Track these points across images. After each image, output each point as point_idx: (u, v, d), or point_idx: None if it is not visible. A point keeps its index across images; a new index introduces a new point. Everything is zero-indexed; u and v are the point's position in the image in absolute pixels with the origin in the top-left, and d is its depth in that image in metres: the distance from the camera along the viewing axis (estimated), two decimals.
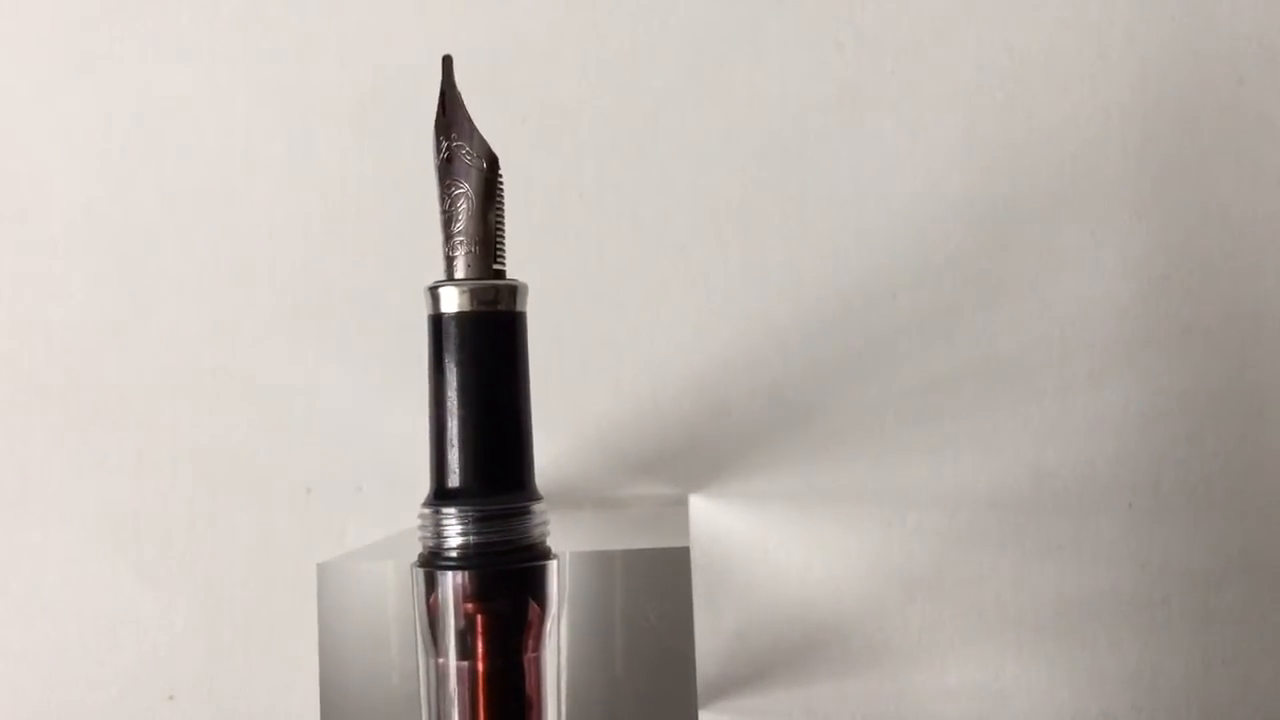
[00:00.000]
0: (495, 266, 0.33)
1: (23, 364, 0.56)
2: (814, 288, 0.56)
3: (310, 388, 0.56)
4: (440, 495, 0.32)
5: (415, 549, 0.33)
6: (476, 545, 0.32)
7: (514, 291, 0.33)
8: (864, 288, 0.56)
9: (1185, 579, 0.56)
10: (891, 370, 0.56)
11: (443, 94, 0.34)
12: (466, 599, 0.32)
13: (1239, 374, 0.56)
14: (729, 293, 0.56)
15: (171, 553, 0.56)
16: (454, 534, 0.32)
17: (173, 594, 0.56)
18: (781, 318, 0.56)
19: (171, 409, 0.56)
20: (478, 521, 0.32)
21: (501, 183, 0.33)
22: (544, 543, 0.33)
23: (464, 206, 0.33)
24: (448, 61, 0.34)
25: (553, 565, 0.33)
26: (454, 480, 0.32)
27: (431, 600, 0.32)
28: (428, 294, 0.33)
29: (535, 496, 0.33)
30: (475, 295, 0.33)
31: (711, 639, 0.56)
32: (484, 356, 0.33)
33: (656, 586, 0.37)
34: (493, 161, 0.33)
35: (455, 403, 0.32)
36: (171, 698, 0.56)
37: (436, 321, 0.33)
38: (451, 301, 0.33)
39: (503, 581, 0.32)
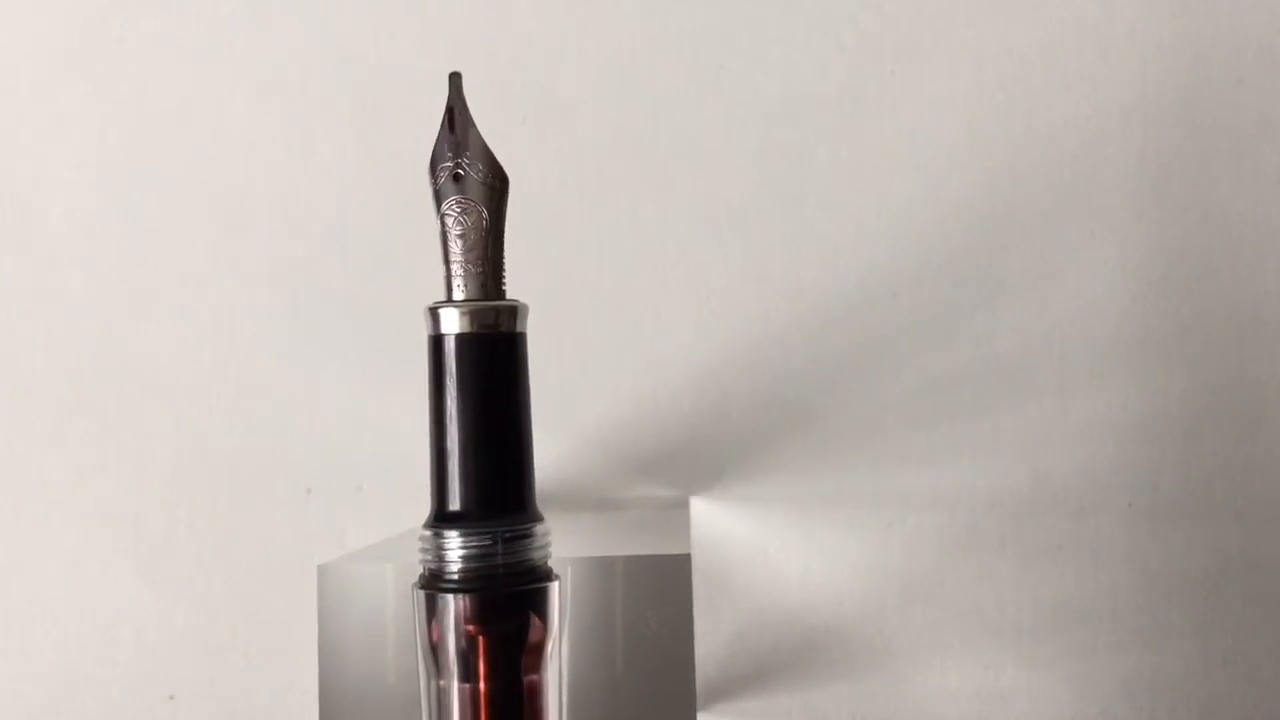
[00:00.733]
0: (500, 287, 0.33)
1: (23, 364, 0.56)
2: (814, 288, 0.56)
3: (310, 388, 0.56)
4: (441, 518, 0.32)
5: (415, 550, 0.33)
6: (477, 568, 0.32)
7: (514, 312, 0.33)
8: (864, 288, 0.56)
9: (1185, 579, 0.56)
10: (891, 370, 0.56)
11: (450, 110, 0.33)
12: (468, 621, 0.32)
13: (1239, 374, 0.56)
14: (729, 293, 0.56)
15: (171, 553, 0.56)
16: (455, 557, 0.32)
17: (173, 594, 0.56)
18: (781, 318, 0.56)
19: (171, 409, 0.56)
20: (479, 544, 0.32)
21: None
22: (545, 564, 0.33)
23: (474, 225, 0.33)
24: (456, 78, 0.34)
25: (554, 587, 0.33)
26: (455, 503, 0.32)
27: (432, 623, 0.32)
28: (428, 314, 0.33)
29: (536, 518, 0.33)
30: (476, 317, 0.32)
31: (711, 640, 0.56)
32: (484, 378, 0.32)
33: (657, 592, 0.37)
34: (505, 181, 0.33)
35: (455, 424, 0.32)
36: (171, 698, 0.56)
37: (437, 342, 0.33)
38: (452, 323, 0.32)
39: (504, 604, 0.32)
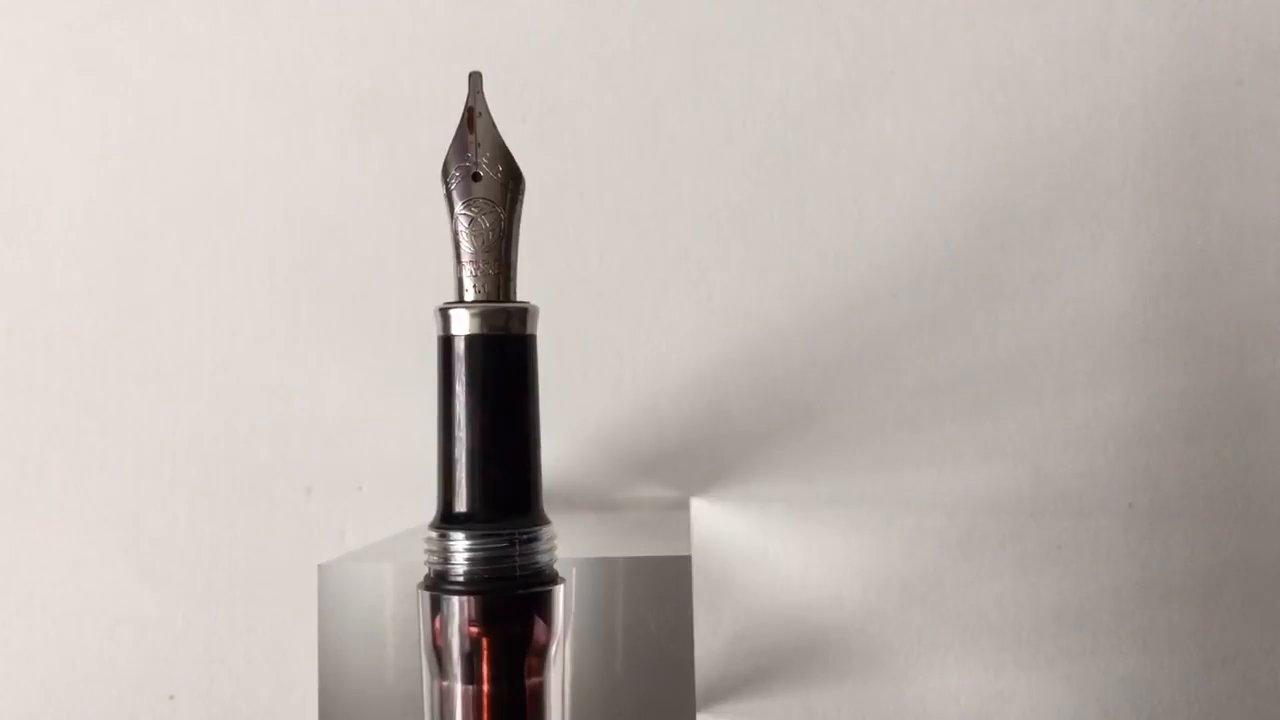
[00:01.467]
0: (513, 289, 0.33)
1: (23, 364, 0.56)
2: (814, 288, 0.56)
3: (310, 388, 0.56)
4: (447, 518, 0.32)
5: (415, 549, 0.33)
6: (483, 570, 0.32)
7: (525, 314, 0.33)
8: (864, 288, 0.56)
9: (1185, 579, 0.56)
10: (891, 370, 0.56)
11: (470, 109, 0.33)
12: (472, 623, 0.32)
13: (1239, 374, 0.56)
14: (729, 293, 0.56)
15: (171, 553, 0.56)
16: (460, 558, 0.32)
17: (173, 594, 0.56)
18: (781, 318, 0.56)
19: (171, 409, 0.56)
20: (484, 546, 0.32)
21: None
22: (551, 567, 0.33)
23: (491, 226, 0.33)
24: (476, 78, 0.34)
25: (559, 590, 0.33)
26: (461, 504, 0.32)
27: (436, 623, 0.32)
28: (438, 315, 0.33)
29: (543, 520, 0.33)
30: (486, 319, 0.32)
31: (711, 641, 0.56)
32: (494, 380, 0.32)
33: (657, 594, 0.37)
34: (521, 182, 0.33)
35: (464, 426, 0.32)
36: (171, 698, 0.56)
37: (447, 344, 0.32)
38: (462, 324, 0.32)
39: (508, 606, 0.32)
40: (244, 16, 0.56)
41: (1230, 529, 0.56)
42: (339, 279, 0.56)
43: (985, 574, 0.56)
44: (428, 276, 0.53)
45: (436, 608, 0.32)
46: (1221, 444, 0.56)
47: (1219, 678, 0.56)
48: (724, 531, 0.56)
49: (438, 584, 0.32)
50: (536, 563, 0.32)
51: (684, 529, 0.48)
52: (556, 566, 0.33)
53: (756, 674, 0.56)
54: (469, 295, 0.33)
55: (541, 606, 0.32)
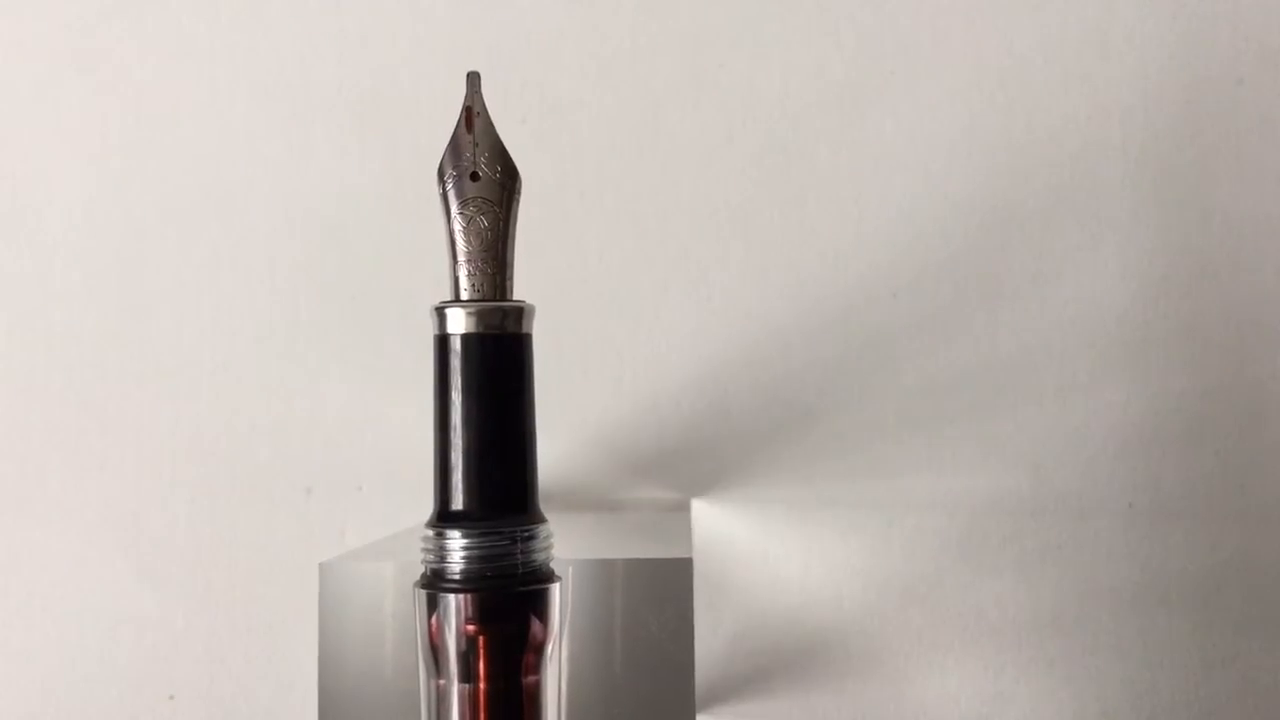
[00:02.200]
0: (509, 288, 0.33)
1: (23, 364, 0.56)
2: (814, 288, 0.56)
3: (310, 388, 0.56)
4: (443, 517, 0.32)
5: (415, 549, 0.33)
6: (479, 568, 0.32)
7: (521, 313, 0.33)
8: (864, 288, 0.56)
9: (1185, 579, 0.56)
10: (891, 370, 0.56)
11: (468, 109, 0.33)
12: (468, 621, 0.32)
13: (1239, 374, 0.56)
14: (729, 293, 0.56)
15: (171, 553, 0.56)
16: (457, 556, 0.32)
17: (173, 594, 0.56)
18: (781, 318, 0.56)
19: (171, 409, 0.56)
20: (481, 544, 0.32)
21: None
22: (547, 565, 0.33)
23: (490, 225, 0.33)
24: (474, 78, 0.34)
25: (555, 588, 0.33)
26: (457, 503, 0.32)
27: (433, 621, 0.32)
28: (434, 314, 0.33)
29: (539, 519, 0.33)
30: (483, 318, 0.32)
31: (711, 642, 0.56)
32: (490, 379, 0.32)
33: (658, 596, 0.37)
34: (518, 181, 0.33)
35: (460, 425, 0.32)
36: (171, 698, 0.56)
37: (443, 342, 0.33)
38: (459, 323, 0.32)
39: (505, 604, 0.32)
40: (244, 16, 0.57)
41: (1230, 529, 0.56)
42: (339, 279, 0.56)
43: (985, 574, 0.56)
44: (427, 277, 0.53)
45: (433, 606, 0.32)
46: (1221, 444, 0.56)
47: (1219, 678, 0.56)
48: (724, 532, 0.56)
49: (434, 582, 0.32)
50: (533, 561, 0.32)
51: (685, 531, 0.47)
52: (552, 565, 0.33)
53: (756, 674, 0.56)
54: (465, 294, 0.33)
55: (538, 604, 0.32)
